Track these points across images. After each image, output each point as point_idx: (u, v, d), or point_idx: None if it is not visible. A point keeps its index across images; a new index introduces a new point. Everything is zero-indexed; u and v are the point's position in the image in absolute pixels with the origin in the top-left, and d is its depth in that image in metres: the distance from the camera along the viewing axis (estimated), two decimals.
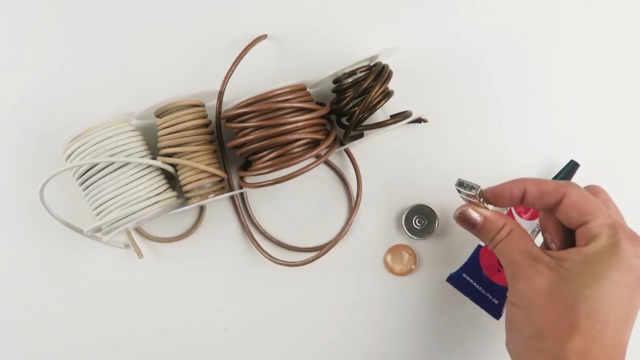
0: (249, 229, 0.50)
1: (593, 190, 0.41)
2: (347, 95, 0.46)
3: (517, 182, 0.41)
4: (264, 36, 0.50)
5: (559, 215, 0.40)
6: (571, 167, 0.49)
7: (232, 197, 0.51)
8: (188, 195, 0.46)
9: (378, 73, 0.45)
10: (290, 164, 0.44)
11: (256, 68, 0.50)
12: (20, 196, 0.50)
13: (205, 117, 0.47)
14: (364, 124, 0.47)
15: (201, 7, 0.51)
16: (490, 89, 0.51)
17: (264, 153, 0.45)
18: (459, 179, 0.41)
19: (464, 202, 0.43)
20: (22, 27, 0.51)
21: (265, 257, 0.49)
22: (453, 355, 0.50)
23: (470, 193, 0.40)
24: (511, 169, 0.51)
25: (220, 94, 0.48)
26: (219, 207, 0.51)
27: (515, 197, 0.41)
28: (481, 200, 0.41)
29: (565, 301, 0.37)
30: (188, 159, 0.45)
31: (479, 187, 0.40)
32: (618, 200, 0.51)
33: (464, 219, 0.42)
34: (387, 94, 0.46)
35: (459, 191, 0.41)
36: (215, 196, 0.46)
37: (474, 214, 0.41)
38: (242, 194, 0.51)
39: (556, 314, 0.37)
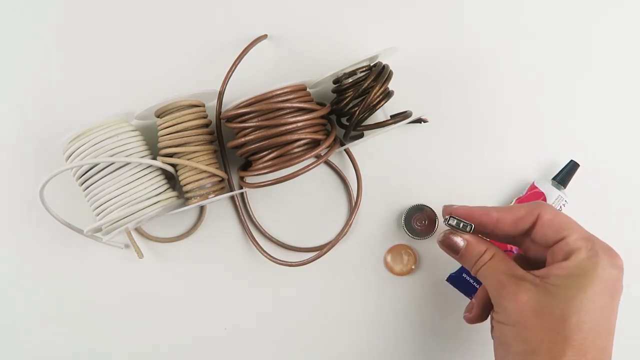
0: (249, 229, 0.50)
1: None
2: (347, 95, 0.46)
3: (485, 212, 0.42)
4: (264, 36, 0.50)
5: (534, 236, 0.41)
6: (571, 167, 0.49)
7: (232, 197, 0.51)
8: (188, 195, 0.46)
9: (378, 73, 0.45)
10: (291, 164, 0.44)
11: (256, 68, 0.50)
12: (20, 196, 0.50)
13: (205, 117, 0.47)
14: (364, 124, 0.47)
15: (201, 7, 0.51)
16: (491, 89, 0.51)
17: (264, 153, 0.45)
18: (455, 219, 0.41)
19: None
20: (23, 27, 0.51)
21: (265, 257, 0.49)
22: (453, 355, 0.50)
23: (461, 231, 0.41)
24: (511, 169, 0.51)
25: (221, 94, 0.48)
26: (219, 207, 0.51)
27: (487, 227, 0.42)
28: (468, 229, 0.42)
29: (554, 315, 0.37)
30: (188, 159, 0.45)
31: (472, 226, 0.41)
32: (618, 200, 0.51)
33: (447, 244, 0.43)
34: (387, 94, 0.46)
35: (451, 226, 0.42)
36: (215, 196, 0.46)
37: (458, 239, 0.42)
38: (242, 194, 0.51)
39: (547, 329, 0.37)
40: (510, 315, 0.39)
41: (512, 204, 0.50)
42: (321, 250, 0.49)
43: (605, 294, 0.37)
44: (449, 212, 0.43)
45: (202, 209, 0.51)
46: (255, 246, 0.50)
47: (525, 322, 0.38)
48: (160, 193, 0.46)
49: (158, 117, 0.46)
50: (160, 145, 0.46)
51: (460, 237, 0.42)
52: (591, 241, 0.39)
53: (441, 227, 0.50)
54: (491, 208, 0.42)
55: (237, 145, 0.46)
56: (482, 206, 0.43)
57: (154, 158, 0.46)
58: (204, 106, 0.47)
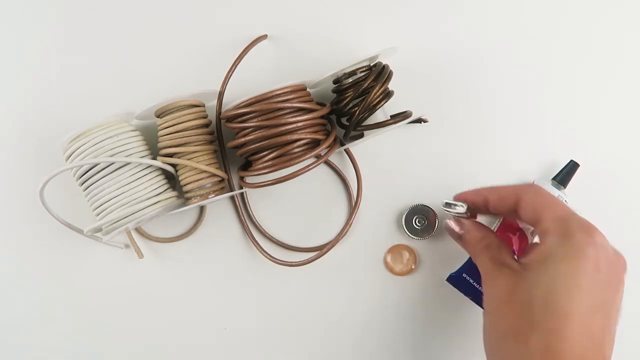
0: (249, 229, 0.50)
1: None
2: (347, 95, 0.46)
3: (477, 192, 0.43)
4: (264, 36, 0.50)
5: (521, 217, 0.41)
6: (571, 167, 0.49)
7: (232, 197, 0.51)
8: (188, 195, 0.46)
9: (378, 73, 0.45)
10: (291, 164, 0.44)
11: (256, 68, 0.50)
12: (20, 196, 0.50)
13: (205, 117, 0.47)
14: (364, 124, 0.47)
15: (201, 7, 0.51)
16: (491, 89, 0.51)
17: (264, 153, 0.45)
18: (446, 201, 0.44)
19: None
20: (23, 27, 0.51)
21: (265, 257, 0.49)
22: (453, 355, 0.50)
23: (456, 211, 0.44)
24: (511, 169, 0.51)
25: (221, 94, 0.48)
26: (219, 207, 0.51)
27: (480, 207, 0.43)
28: (467, 214, 0.44)
29: (522, 300, 0.37)
30: (188, 159, 0.45)
31: (464, 205, 0.43)
32: (618, 200, 0.51)
33: (449, 230, 0.45)
34: (387, 94, 0.46)
35: (447, 211, 0.44)
36: (215, 196, 0.46)
37: (456, 227, 0.44)
38: (242, 194, 0.51)
39: (515, 314, 0.37)
40: (487, 302, 0.39)
41: None
42: (321, 250, 0.49)
43: (580, 274, 0.36)
44: (455, 199, 0.44)
45: (202, 209, 0.51)
46: (255, 246, 0.50)
47: (497, 308, 0.38)
48: (160, 193, 0.46)
49: (158, 117, 0.46)
50: (160, 145, 0.46)
51: (460, 224, 0.44)
52: (564, 221, 0.38)
53: (441, 227, 0.50)
54: (483, 188, 0.43)
55: (237, 145, 0.46)
56: (477, 188, 0.44)
57: (154, 158, 0.46)
58: (204, 106, 0.47)
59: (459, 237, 0.45)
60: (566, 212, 0.38)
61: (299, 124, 0.44)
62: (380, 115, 0.47)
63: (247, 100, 0.44)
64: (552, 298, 0.36)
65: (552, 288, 0.36)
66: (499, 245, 0.41)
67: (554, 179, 0.49)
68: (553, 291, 0.36)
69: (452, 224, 0.45)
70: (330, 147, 0.46)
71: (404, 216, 0.50)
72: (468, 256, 0.48)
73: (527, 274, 0.38)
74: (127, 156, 0.44)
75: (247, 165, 0.48)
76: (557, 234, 0.37)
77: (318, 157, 0.46)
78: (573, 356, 0.34)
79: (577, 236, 0.37)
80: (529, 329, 0.36)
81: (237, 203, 0.50)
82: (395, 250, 0.50)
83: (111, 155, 0.44)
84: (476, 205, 0.43)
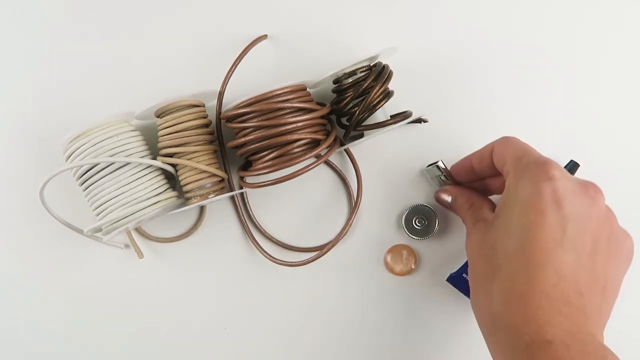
0: (249, 229, 0.50)
1: None
2: (347, 95, 0.46)
3: (464, 159, 0.46)
4: (264, 36, 0.50)
5: (496, 169, 0.41)
6: (571, 167, 0.49)
7: (232, 197, 0.51)
8: (188, 195, 0.46)
9: (378, 73, 0.45)
10: (291, 164, 0.44)
11: (256, 68, 0.50)
12: (20, 196, 0.50)
13: (205, 117, 0.47)
14: (364, 124, 0.47)
15: (201, 7, 0.51)
16: (490, 88, 0.51)
17: (264, 153, 0.45)
18: (427, 166, 0.48)
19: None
20: (22, 27, 0.51)
21: (265, 257, 0.49)
22: (453, 355, 0.50)
23: (435, 175, 0.48)
24: None
25: (221, 94, 0.48)
26: (219, 207, 0.51)
27: (469, 172, 0.45)
28: (444, 173, 0.47)
29: (487, 247, 0.37)
30: (188, 159, 0.45)
31: (440, 160, 0.47)
32: (618, 199, 0.51)
33: (439, 201, 0.48)
34: (387, 94, 0.46)
35: (428, 172, 0.48)
36: (215, 196, 0.46)
37: (445, 196, 0.46)
38: (242, 194, 0.51)
39: (482, 262, 0.37)
40: (468, 259, 0.40)
41: None
42: (321, 250, 0.49)
43: (533, 211, 0.34)
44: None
45: (202, 209, 0.51)
46: (255, 246, 0.50)
47: (472, 261, 0.39)
48: (160, 193, 0.46)
49: (158, 117, 0.46)
50: (160, 145, 0.46)
51: (448, 192, 0.46)
52: (518, 160, 0.37)
53: (441, 227, 0.50)
54: (470, 154, 0.45)
55: (237, 145, 0.46)
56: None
57: (154, 158, 0.46)
58: (204, 106, 0.47)
59: (450, 206, 0.46)
60: (522, 151, 0.37)
61: (299, 124, 0.44)
62: (380, 115, 0.47)
63: (247, 100, 0.44)
64: (511, 241, 0.35)
65: (511, 232, 0.35)
66: (481, 203, 0.42)
67: None
68: (512, 234, 0.35)
69: (443, 195, 0.47)
70: (330, 147, 0.46)
71: (404, 216, 0.50)
72: None
73: (494, 222, 0.38)
74: (127, 156, 0.44)
75: (247, 165, 0.48)
76: (513, 175, 0.37)
77: (318, 157, 0.46)
78: (535, 294, 0.33)
79: (529, 173, 0.36)
80: (492, 275, 0.35)
81: (237, 203, 0.50)
82: (395, 250, 0.50)
83: (111, 155, 0.44)
84: (466, 170, 0.45)
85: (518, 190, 0.36)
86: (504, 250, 0.35)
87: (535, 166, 0.36)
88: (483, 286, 0.36)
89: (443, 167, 0.47)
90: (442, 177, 0.48)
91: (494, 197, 0.46)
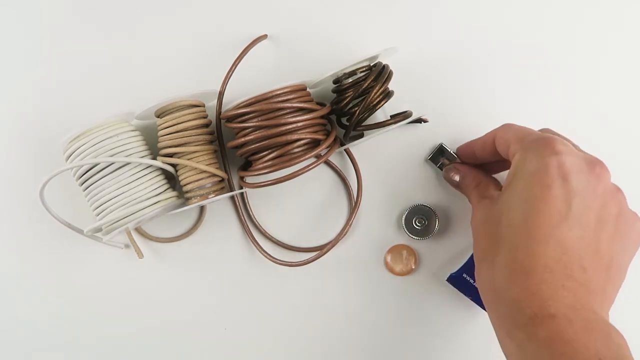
0: (249, 229, 0.50)
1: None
2: (347, 95, 0.46)
3: (466, 144, 0.47)
4: (264, 36, 0.50)
5: (501, 155, 0.41)
6: None
7: (232, 197, 0.51)
8: (188, 195, 0.46)
9: (378, 73, 0.45)
10: (291, 164, 0.44)
11: (256, 68, 0.50)
12: (20, 196, 0.50)
13: (205, 117, 0.47)
14: (364, 124, 0.47)
15: (201, 7, 0.51)
16: (490, 88, 0.51)
17: (264, 153, 0.45)
18: (425, 159, 0.50)
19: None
20: (23, 27, 0.51)
21: (265, 257, 0.49)
22: (453, 355, 0.50)
23: (440, 162, 0.49)
24: None
25: (221, 94, 0.48)
26: (219, 207, 0.51)
27: (472, 158, 0.46)
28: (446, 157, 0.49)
29: (492, 221, 0.37)
30: (188, 159, 0.45)
31: (440, 145, 0.49)
32: None
33: (447, 180, 0.48)
34: (387, 94, 0.46)
35: (437, 165, 0.50)
36: (215, 196, 0.46)
37: (454, 174, 0.47)
38: (242, 194, 0.51)
39: (487, 236, 0.37)
40: (473, 233, 0.40)
41: None
42: (321, 250, 0.49)
43: (540, 186, 0.35)
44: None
45: (202, 209, 0.51)
46: (255, 246, 0.50)
47: (476, 236, 0.39)
48: (160, 193, 0.46)
49: (158, 117, 0.46)
50: (160, 145, 0.46)
51: (457, 171, 0.47)
52: (524, 139, 0.37)
53: (441, 227, 0.50)
54: (471, 140, 0.46)
55: (237, 145, 0.46)
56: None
57: (154, 158, 0.46)
58: (204, 106, 0.47)
59: (457, 185, 0.47)
60: (526, 132, 0.38)
61: (299, 124, 0.44)
62: (380, 115, 0.47)
63: (247, 100, 0.44)
64: (516, 215, 0.35)
65: (516, 205, 0.35)
66: (487, 182, 0.43)
67: None
68: (516, 208, 0.35)
69: (452, 173, 0.47)
70: (330, 147, 0.46)
71: (404, 216, 0.50)
72: (468, 256, 0.48)
73: (499, 198, 0.38)
74: (127, 156, 0.44)
75: (247, 165, 0.48)
76: (519, 154, 0.37)
77: (318, 157, 0.46)
78: (538, 268, 0.33)
79: (535, 148, 0.36)
80: (496, 249, 0.36)
81: (237, 203, 0.50)
82: (395, 250, 0.50)
83: (111, 155, 0.44)
84: (468, 156, 0.47)
85: (525, 165, 0.36)
86: (508, 223, 0.35)
87: (542, 141, 0.36)
88: (487, 260, 0.36)
89: (447, 148, 0.49)
90: (447, 161, 0.49)
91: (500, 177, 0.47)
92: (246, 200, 0.51)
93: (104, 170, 0.44)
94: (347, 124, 0.47)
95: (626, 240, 0.37)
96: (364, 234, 0.51)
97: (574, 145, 0.40)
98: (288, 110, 0.44)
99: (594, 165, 0.37)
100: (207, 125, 0.47)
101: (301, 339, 0.51)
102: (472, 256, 0.48)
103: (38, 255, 0.50)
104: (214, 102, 0.48)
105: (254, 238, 0.50)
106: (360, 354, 0.50)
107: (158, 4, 0.51)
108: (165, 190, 0.46)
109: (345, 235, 0.50)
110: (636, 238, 0.37)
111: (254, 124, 0.44)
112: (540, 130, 0.42)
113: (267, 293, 0.51)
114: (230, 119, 0.46)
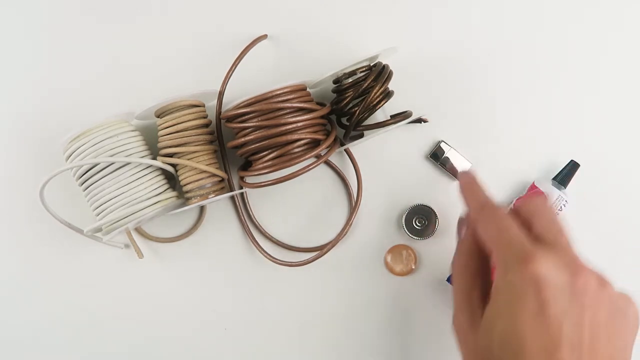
0: (249, 229, 0.50)
1: (526, 202, 0.39)
2: (347, 95, 0.46)
3: (459, 227, 0.44)
4: (264, 36, 0.50)
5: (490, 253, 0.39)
6: (571, 167, 0.49)
7: (232, 197, 0.51)
8: (188, 195, 0.46)
9: (378, 73, 0.45)
10: (291, 164, 0.44)
11: (256, 68, 0.50)
12: (20, 196, 0.50)
13: (205, 117, 0.47)
14: (364, 124, 0.47)
15: (201, 7, 0.51)
16: (490, 88, 0.51)
17: (264, 153, 0.45)
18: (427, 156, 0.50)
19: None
20: (23, 27, 0.51)
21: (265, 257, 0.49)
22: (453, 355, 0.50)
23: (440, 160, 0.50)
24: (511, 169, 0.51)
25: (221, 94, 0.48)
26: (219, 207, 0.51)
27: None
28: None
29: (480, 351, 0.36)
30: (188, 159, 0.45)
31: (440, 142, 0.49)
32: (618, 199, 0.51)
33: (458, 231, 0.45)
34: (387, 94, 0.46)
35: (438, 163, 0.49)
36: (215, 196, 0.46)
37: (458, 233, 0.44)
38: (242, 194, 0.51)
39: (474, 349, 0.37)
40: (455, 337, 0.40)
41: (512, 203, 0.50)
42: (321, 250, 0.49)
43: (522, 315, 0.33)
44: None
45: (202, 209, 0.51)
46: (255, 246, 0.50)
47: (457, 339, 0.39)
48: (160, 193, 0.46)
49: (158, 117, 0.46)
50: (160, 145, 0.46)
51: (460, 233, 0.44)
52: (503, 253, 0.35)
53: (441, 227, 0.50)
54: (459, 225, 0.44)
55: (237, 145, 0.46)
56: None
57: (154, 158, 0.46)
58: (204, 106, 0.47)
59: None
60: (505, 241, 0.36)
61: (299, 124, 0.44)
62: (380, 115, 0.47)
63: (247, 100, 0.44)
64: (505, 340, 0.34)
65: (494, 324, 0.35)
66: (473, 289, 0.39)
67: (554, 179, 0.49)
68: (494, 328, 0.34)
69: (459, 228, 0.44)
70: (330, 147, 0.46)
71: (404, 216, 0.50)
72: None
73: (481, 326, 0.36)
74: (127, 156, 0.44)
75: (247, 165, 0.48)
76: (499, 272, 0.35)
77: (318, 157, 0.46)
78: None
79: (512, 272, 0.34)
80: None
81: (237, 203, 0.50)
82: (395, 250, 0.50)
83: (111, 155, 0.44)
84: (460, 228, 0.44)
85: (505, 292, 0.35)
86: (500, 349, 0.34)
87: (519, 263, 0.34)
88: None
89: (448, 145, 0.48)
90: (447, 157, 0.49)
91: None
92: (246, 200, 0.51)
93: (104, 170, 0.44)
94: (347, 124, 0.47)
95: (623, 332, 0.35)
96: (364, 234, 0.51)
97: (562, 228, 0.37)
98: (288, 110, 0.44)
99: (577, 277, 0.34)
100: (207, 125, 0.47)
101: (301, 339, 0.51)
102: None
103: (38, 255, 0.50)
104: (214, 102, 0.48)
105: (254, 238, 0.50)
106: (360, 353, 0.50)
107: (158, 4, 0.51)
108: (165, 190, 0.46)
109: (345, 235, 0.50)
110: (634, 321, 0.36)
111: (254, 124, 0.44)
112: (529, 191, 0.41)
113: (267, 293, 0.51)
114: (230, 119, 0.46)
